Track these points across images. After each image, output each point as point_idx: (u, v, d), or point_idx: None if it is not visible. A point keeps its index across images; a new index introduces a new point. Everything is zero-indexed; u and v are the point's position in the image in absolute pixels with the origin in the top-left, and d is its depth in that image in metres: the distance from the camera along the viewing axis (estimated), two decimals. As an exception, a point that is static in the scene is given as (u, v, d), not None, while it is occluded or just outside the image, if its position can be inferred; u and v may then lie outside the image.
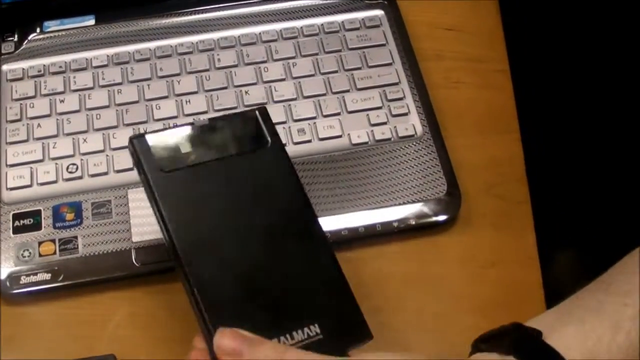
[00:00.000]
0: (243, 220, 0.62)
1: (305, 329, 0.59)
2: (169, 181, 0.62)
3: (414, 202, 0.75)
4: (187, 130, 0.64)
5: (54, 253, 0.74)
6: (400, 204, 0.75)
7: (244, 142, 0.65)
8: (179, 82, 0.82)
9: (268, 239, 0.62)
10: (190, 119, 0.79)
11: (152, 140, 0.63)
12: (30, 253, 0.73)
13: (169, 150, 0.63)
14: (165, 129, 0.65)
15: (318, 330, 0.59)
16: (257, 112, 0.66)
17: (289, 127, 0.79)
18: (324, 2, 0.87)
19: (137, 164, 0.62)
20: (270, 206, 0.63)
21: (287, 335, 0.58)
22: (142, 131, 0.78)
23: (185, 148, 0.63)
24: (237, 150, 0.64)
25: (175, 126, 0.65)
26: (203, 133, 0.64)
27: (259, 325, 0.58)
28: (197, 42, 0.84)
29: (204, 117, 0.67)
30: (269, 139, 0.65)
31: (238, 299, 0.59)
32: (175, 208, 0.61)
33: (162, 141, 0.63)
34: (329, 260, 0.62)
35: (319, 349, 0.57)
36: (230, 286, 0.60)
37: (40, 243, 0.74)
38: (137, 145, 0.62)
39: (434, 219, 0.75)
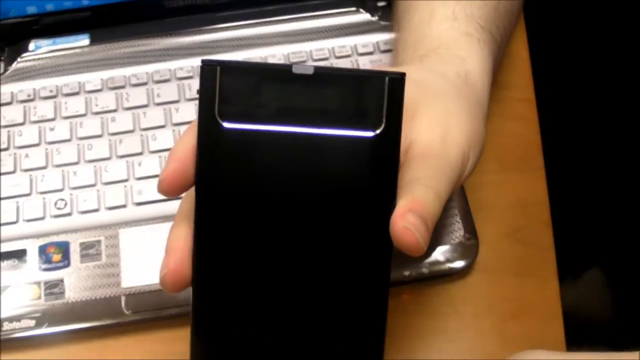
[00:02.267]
0: (294, 216, 0.48)
1: None
2: (222, 134, 0.47)
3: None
4: (279, 75, 0.47)
5: (39, 297, 0.69)
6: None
7: (346, 115, 0.47)
8: (177, 110, 0.77)
9: (315, 249, 0.48)
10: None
11: (223, 73, 0.47)
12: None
13: (242, 95, 0.47)
14: (254, 64, 0.49)
15: None
16: (387, 80, 0.47)
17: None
18: (337, 23, 0.82)
19: (198, 102, 0.48)
20: (339, 212, 0.48)
21: None
22: (137, 163, 0.73)
23: (266, 99, 0.47)
24: (333, 123, 0.47)
25: (267, 65, 0.47)
26: (298, 85, 0.47)
27: (252, 341, 0.49)
28: (197, 66, 0.78)
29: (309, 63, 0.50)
30: (383, 121, 0.47)
31: (244, 303, 0.49)
32: (216, 173, 0.48)
33: (238, 79, 0.47)
34: (376, 308, 0.49)
35: None
36: (241, 284, 0.49)
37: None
38: (203, 77, 0.47)
39: (449, 266, 0.70)
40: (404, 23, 0.64)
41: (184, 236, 0.49)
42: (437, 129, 0.53)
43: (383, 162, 0.47)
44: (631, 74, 0.79)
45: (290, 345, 0.49)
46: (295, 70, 0.47)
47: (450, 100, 0.55)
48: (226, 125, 0.47)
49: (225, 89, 0.47)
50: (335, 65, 0.77)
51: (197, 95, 0.50)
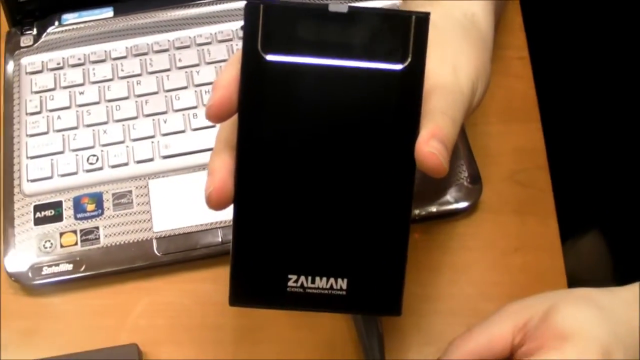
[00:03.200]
0: (327, 140, 0.53)
1: (332, 279, 0.54)
2: (265, 69, 0.52)
3: (435, 189, 0.75)
4: (316, 13, 0.52)
5: (76, 244, 0.74)
6: (421, 192, 0.74)
7: (376, 50, 0.52)
8: (198, 72, 0.82)
9: (345, 170, 0.53)
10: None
11: (266, 12, 0.52)
12: (51, 244, 0.73)
13: (282, 31, 0.52)
14: (293, 3, 0.52)
15: (344, 287, 0.54)
16: (413, 18, 0.52)
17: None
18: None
19: (242, 37, 0.53)
20: (368, 138, 0.53)
21: (309, 278, 0.54)
22: (163, 121, 0.78)
23: (304, 35, 0.52)
24: (364, 57, 0.52)
25: (305, 4, 0.52)
26: (333, 22, 0.52)
27: (288, 250, 0.54)
28: (215, 33, 0.84)
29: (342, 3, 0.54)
30: (410, 56, 0.52)
31: (281, 216, 0.54)
32: (258, 102, 0.53)
33: (279, 17, 0.52)
34: (400, 223, 0.54)
35: (334, 304, 0.55)
36: (278, 199, 0.54)
37: (61, 234, 0.74)
38: (248, 15, 0.52)
39: (456, 206, 0.75)
40: None
41: (225, 159, 0.54)
42: (449, 63, 0.58)
43: (409, 92, 0.53)
44: (623, 30, 0.85)
45: (323, 255, 0.54)
46: (332, 8, 0.51)
47: (459, 38, 0.61)
48: (268, 57, 0.52)
49: (267, 25, 0.51)
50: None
51: (241, 35, 0.53)
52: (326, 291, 0.54)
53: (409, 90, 0.52)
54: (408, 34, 0.52)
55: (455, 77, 0.58)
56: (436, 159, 0.52)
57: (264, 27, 0.52)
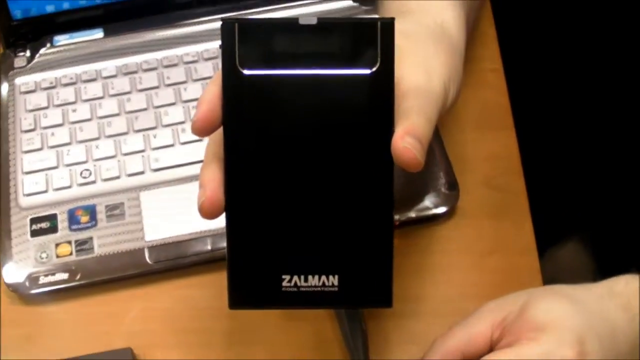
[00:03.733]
0: (309, 145, 0.56)
1: (323, 277, 0.57)
2: (244, 83, 0.55)
3: (414, 195, 0.78)
4: (288, 27, 0.55)
5: (71, 254, 0.76)
6: (401, 198, 0.77)
7: (346, 56, 0.55)
8: (185, 89, 0.85)
9: (328, 172, 0.56)
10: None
11: (242, 30, 0.55)
12: (47, 255, 0.76)
13: (257, 47, 0.55)
14: (265, 20, 0.56)
15: (336, 283, 0.57)
16: (379, 24, 0.55)
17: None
18: (326, 9, 0.90)
19: (221, 53, 0.56)
20: (347, 139, 0.56)
21: (302, 276, 0.57)
22: (152, 136, 0.81)
23: (278, 48, 0.55)
24: (335, 64, 0.55)
25: (277, 19, 0.57)
26: (304, 34, 0.55)
27: (280, 253, 0.57)
28: (202, 51, 0.87)
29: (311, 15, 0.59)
30: (378, 60, 0.55)
31: (271, 220, 0.57)
32: (241, 115, 0.56)
33: (253, 34, 0.55)
34: (384, 218, 0.57)
35: (327, 300, 0.57)
36: (267, 205, 0.57)
37: (57, 245, 0.77)
38: (224, 34, 0.55)
39: (434, 211, 0.78)
40: None
41: (214, 171, 0.57)
42: (421, 67, 0.61)
43: (381, 94, 0.56)
44: (591, 41, 0.88)
45: (313, 254, 0.57)
46: (302, 21, 0.55)
47: (430, 44, 0.64)
48: (246, 72, 0.55)
49: (243, 42, 0.55)
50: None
51: (219, 51, 0.55)
52: (319, 288, 0.57)
53: (380, 92, 0.56)
54: (375, 39, 0.55)
55: (428, 80, 0.61)
56: (411, 153, 0.55)
57: (240, 43, 0.55)
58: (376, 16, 0.56)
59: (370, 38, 0.55)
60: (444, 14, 0.68)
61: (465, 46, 0.68)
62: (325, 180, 0.56)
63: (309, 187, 0.57)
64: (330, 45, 0.55)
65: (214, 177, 0.57)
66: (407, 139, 0.55)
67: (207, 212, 0.57)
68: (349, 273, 0.57)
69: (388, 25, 0.55)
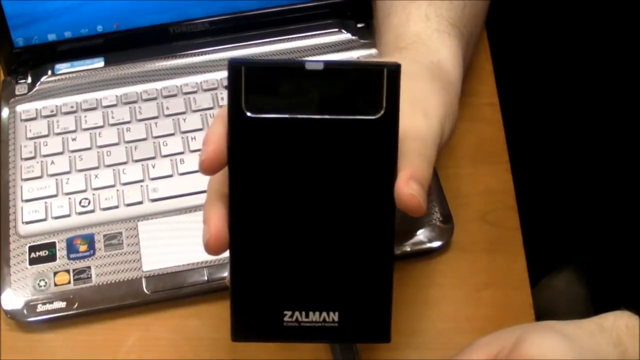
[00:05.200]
0: (314, 188, 0.56)
1: (324, 313, 0.58)
2: (249, 126, 0.55)
3: (409, 229, 0.79)
4: (294, 72, 0.55)
5: (69, 282, 0.77)
6: (396, 232, 0.78)
7: (352, 102, 0.55)
8: (184, 120, 0.86)
9: (331, 213, 0.57)
10: (196, 155, 0.82)
11: (248, 72, 0.54)
12: (45, 283, 0.77)
13: (263, 90, 0.55)
14: (272, 63, 0.57)
15: (336, 319, 0.58)
16: (385, 71, 0.55)
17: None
18: (322, 42, 0.92)
19: (227, 96, 0.56)
20: (350, 182, 0.56)
21: (303, 313, 0.58)
22: (151, 166, 0.82)
23: (284, 92, 0.55)
24: (340, 110, 0.55)
25: (284, 62, 0.57)
26: (311, 79, 0.55)
27: (282, 289, 0.58)
28: (201, 82, 0.88)
29: (318, 60, 0.56)
30: (384, 106, 0.55)
31: (273, 257, 0.57)
32: (245, 158, 0.56)
33: (260, 77, 0.55)
34: (385, 258, 0.58)
35: (327, 335, 0.58)
36: (270, 243, 0.57)
37: (55, 273, 0.77)
38: (231, 76, 0.55)
39: (429, 245, 0.79)
40: (385, 25, 0.74)
41: (218, 208, 0.58)
42: (419, 107, 0.63)
43: (385, 139, 0.56)
44: (584, 78, 0.89)
45: (315, 291, 0.58)
46: (308, 66, 0.54)
47: (426, 82, 0.65)
48: (252, 114, 0.55)
49: (249, 84, 0.54)
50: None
51: (219, 84, 0.56)
52: (320, 324, 0.58)
53: (385, 137, 0.56)
54: (381, 84, 0.55)
55: (426, 120, 0.62)
56: (415, 200, 0.56)
57: (247, 86, 0.55)
58: (382, 60, 0.56)
59: (376, 84, 0.55)
60: (440, 51, 0.69)
61: (461, 82, 0.69)
62: (328, 220, 0.57)
63: (311, 226, 0.57)
64: (336, 90, 0.55)
65: (218, 214, 0.57)
66: (412, 185, 0.56)
67: (213, 249, 0.57)
68: (349, 310, 0.58)
69: (394, 71, 0.55)
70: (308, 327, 0.58)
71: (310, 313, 0.58)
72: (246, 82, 0.55)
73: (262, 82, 0.55)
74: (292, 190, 0.57)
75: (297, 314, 0.58)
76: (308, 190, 0.57)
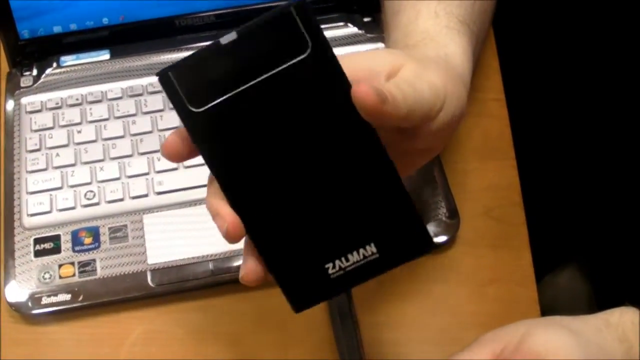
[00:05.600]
0: (291, 143, 0.56)
1: (362, 250, 0.57)
2: (203, 119, 0.55)
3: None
4: (214, 53, 0.55)
5: (74, 275, 0.77)
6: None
7: (279, 53, 0.55)
8: (190, 113, 0.86)
9: (319, 158, 0.56)
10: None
11: (177, 75, 0.55)
12: (50, 275, 0.77)
13: (197, 83, 0.55)
14: (191, 56, 0.55)
15: (374, 250, 0.57)
16: (292, 9, 0.54)
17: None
18: (329, 36, 0.90)
19: (172, 105, 0.56)
20: (319, 122, 0.56)
21: (343, 259, 0.57)
22: (157, 159, 0.82)
23: (214, 75, 0.55)
24: (273, 65, 0.54)
25: (201, 49, 0.54)
26: (232, 51, 0.54)
27: (313, 249, 0.57)
28: (207, 75, 0.88)
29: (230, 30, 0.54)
30: (309, 42, 0.54)
31: (289, 224, 0.57)
32: (214, 147, 0.56)
33: (188, 74, 0.55)
34: (388, 174, 0.57)
35: (375, 269, 0.58)
36: (279, 213, 0.57)
37: (60, 266, 0.78)
38: (164, 86, 0.55)
39: (435, 240, 0.79)
40: (393, 23, 0.74)
41: (221, 199, 0.57)
42: (412, 71, 0.60)
43: (327, 67, 0.55)
44: (591, 74, 0.89)
45: (341, 235, 0.58)
46: (223, 41, 0.54)
47: (432, 66, 0.63)
48: (199, 110, 0.55)
49: (183, 84, 0.55)
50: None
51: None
52: (362, 261, 0.58)
53: (325, 65, 0.55)
54: (296, 23, 0.54)
55: (416, 79, 0.60)
56: (364, 88, 0.53)
57: (181, 87, 0.55)
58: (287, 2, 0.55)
59: (292, 25, 0.54)
60: (449, 46, 0.68)
61: (470, 76, 0.69)
62: (319, 166, 0.57)
63: (308, 178, 0.57)
64: (260, 49, 0.55)
65: (225, 204, 0.57)
66: (361, 84, 0.53)
67: (233, 236, 0.57)
68: (383, 236, 0.58)
69: (301, 6, 0.54)
70: (354, 270, 0.58)
71: (349, 255, 0.58)
72: (179, 84, 0.55)
73: (193, 76, 0.55)
74: (273, 156, 0.56)
75: (337, 262, 0.58)
76: (287, 148, 0.56)
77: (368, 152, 0.57)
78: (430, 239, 0.59)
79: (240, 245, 0.58)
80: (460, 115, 0.64)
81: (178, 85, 0.55)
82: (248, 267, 0.58)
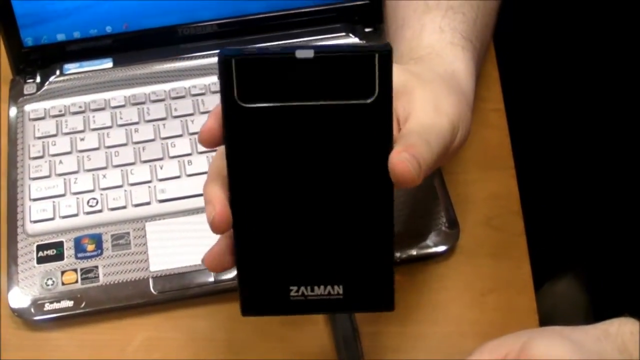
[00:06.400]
0: (311, 170, 0.57)
1: (329, 287, 0.59)
2: (244, 115, 0.55)
3: (415, 233, 0.79)
4: (284, 60, 0.55)
5: (76, 282, 0.77)
6: (402, 236, 0.79)
7: (344, 88, 0.55)
8: (192, 121, 0.86)
9: (329, 193, 0.57)
10: (204, 157, 0.83)
11: (238, 63, 0.55)
12: (53, 282, 0.77)
13: (254, 79, 0.55)
14: (262, 52, 0.55)
15: (341, 291, 0.59)
16: (376, 56, 0.55)
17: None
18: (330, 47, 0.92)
19: (220, 88, 0.56)
20: (345, 163, 0.57)
21: (309, 287, 0.59)
22: (159, 167, 0.83)
23: (274, 80, 0.55)
24: (333, 96, 0.55)
25: (274, 51, 0.55)
26: (301, 66, 0.55)
27: (287, 265, 0.59)
28: (209, 84, 0.89)
29: (308, 47, 0.55)
30: (377, 89, 0.55)
31: (277, 235, 0.58)
32: (241, 144, 0.56)
33: (251, 67, 0.55)
34: (384, 229, 0.58)
35: (333, 307, 0.59)
36: (273, 221, 0.58)
37: (63, 272, 0.78)
38: (222, 68, 0.55)
39: (435, 249, 0.79)
40: (398, 38, 0.75)
41: (218, 188, 0.59)
42: (430, 102, 0.63)
43: (380, 121, 0.56)
44: (590, 84, 0.90)
45: (319, 266, 0.59)
46: (298, 55, 0.55)
47: (442, 86, 0.66)
48: (245, 105, 0.55)
49: (241, 76, 0.55)
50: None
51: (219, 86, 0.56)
52: (325, 297, 0.59)
53: (379, 119, 0.56)
54: (373, 69, 0.55)
55: (435, 113, 0.62)
56: (405, 165, 0.56)
57: (238, 77, 0.55)
58: (373, 44, 0.55)
59: (368, 68, 0.55)
60: (455, 63, 0.69)
61: (474, 94, 0.70)
62: (328, 197, 0.58)
63: (312, 204, 0.58)
64: (328, 77, 0.55)
65: (221, 193, 0.59)
66: (403, 155, 0.56)
67: (218, 227, 0.58)
68: (353, 281, 0.59)
69: (385, 56, 0.55)
70: (314, 300, 0.59)
71: (316, 287, 0.59)
72: (237, 73, 0.55)
73: (253, 73, 0.55)
74: (291, 173, 0.57)
75: (302, 288, 0.59)
76: (306, 170, 0.57)
77: (376, 204, 0.58)
78: (393, 302, 0.60)
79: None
80: (467, 135, 0.65)
81: (235, 73, 0.55)
82: (215, 250, 0.60)
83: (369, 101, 0.55)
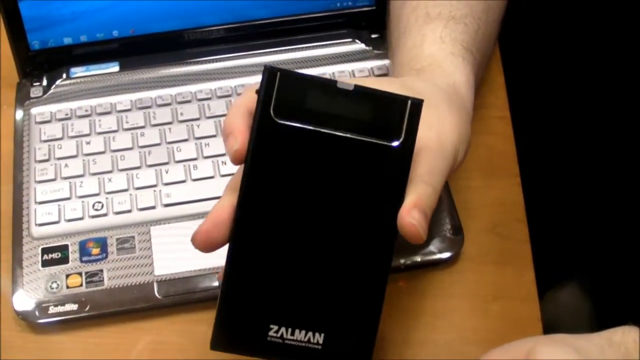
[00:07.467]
0: (321, 202, 0.58)
1: (310, 333, 0.58)
2: (274, 130, 0.57)
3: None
4: (325, 87, 0.57)
5: (81, 285, 0.78)
6: (406, 242, 0.78)
7: (374, 126, 0.57)
8: (198, 126, 0.87)
9: (333, 232, 0.58)
10: (209, 162, 0.84)
11: (282, 78, 0.56)
12: (58, 285, 0.77)
13: (292, 98, 0.57)
14: (306, 75, 0.57)
15: (321, 341, 0.58)
16: (409, 103, 0.58)
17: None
18: (337, 52, 0.93)
19: (257, 99, 0.57)
20: (358, 203, 0.58)
21: (289, 330, 0.58)
22: (165, 171, 0.83)
23: (313, 105, 0.57)
24: (364, 130, 0.57)
25: (317, 76, 0.57)
26: (339, 97, 0.57)
27: (272, 302, 0.58)
28: (215, 89, 0.89)
29: (350, 80, 0.58)
30: (402, 135, 0.58)
31: (269, 268, 0.58)
32: (263, 159, 0.57)
33: (292, 86, 0.57)
34: (378, 285, 0.59)
35: (309, 356, 0.58)
36: (269, 253, 0.58)
37: (67, 276, 0.78)
38: (266, 79, 0.56)
39: (439, 256, 0.79)
40: (399, 46, 0.75)
41: (224, 205, 0.59)
42: (434, 129, 0.64)
43: (399, 166, 0.58)
44: (596, 91, 0.90)
45: (305, 309, 0.58)
46: (340, 85, 0.57)
47: (443, 105, 0.66)
48: (278, 121, 0.57)
49: (281, 92, 0.56)
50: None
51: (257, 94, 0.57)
52: (303, 344, 0.58)
53: (398, 165, 0.58)
54: (403, 115, 0.57)
55: (439, 143, 0.63)
56: (415, 229, 0.57)
57: (278, 92, 0.56)
58: (408, 95, 0.57)
59: (399, 113, 0.57)
60: (455, 75, 0.70)
61: (472, 106, 0.70)
62: (329, 239, 0.58)
63: (311, 242, 0.58)
64: (363, 112, 0.57)
65: (219, 212, 0.58)
66: (414, 214, 0.57)
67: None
68: (335, 335, 0.59)
69: (417, 105, 0.58)
70: (291, 346, 0.58)
71: (297, 331, 0.58)
72: (278, 88, 0.56)
73: (293, 92, 0.57)
74: (301, 202, 0.58)
75: (282, 330, 0.58)
76: (316, 204, 0.58)
77: (375, 256, 0.59)
78: None
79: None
80: (467, 151, 0.66)
81: (277, 87, 0.56)
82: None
83: (393, 145, 0.58)
